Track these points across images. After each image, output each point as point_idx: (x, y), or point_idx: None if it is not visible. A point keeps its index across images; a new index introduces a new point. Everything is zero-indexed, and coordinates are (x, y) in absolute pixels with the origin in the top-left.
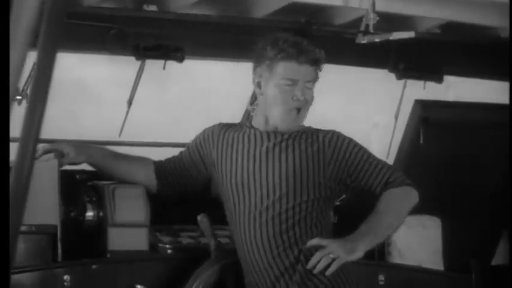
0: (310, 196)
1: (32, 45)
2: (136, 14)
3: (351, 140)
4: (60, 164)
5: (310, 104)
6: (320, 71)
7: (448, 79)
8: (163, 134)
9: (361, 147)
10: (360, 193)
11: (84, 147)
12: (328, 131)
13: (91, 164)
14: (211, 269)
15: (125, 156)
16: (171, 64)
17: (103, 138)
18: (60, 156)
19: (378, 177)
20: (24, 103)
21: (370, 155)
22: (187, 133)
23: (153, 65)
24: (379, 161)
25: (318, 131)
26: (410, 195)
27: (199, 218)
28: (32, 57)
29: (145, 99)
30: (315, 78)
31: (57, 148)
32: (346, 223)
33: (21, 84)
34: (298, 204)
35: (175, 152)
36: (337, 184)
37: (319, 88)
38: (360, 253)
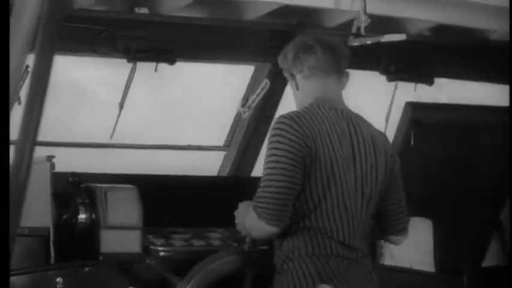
0: None
1: (30, 49)
2: (128, 16)
3: (268, 142)
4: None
5: (297, 106)
6: (285, 73)
7: (440, 81)
8: (157, 136)
9: (268, 155)
10: None
11: None
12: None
13: None
14: (232, 256)
15: None
16: (165, 66)
17: (96, 141)
18: None
19: None
20: (16, 105)
21: (267, 165)
22: (181, 135)
23: (147, 68)
24: (267, 176)
25: None
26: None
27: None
28: (28, 60)
29: (140, 101)
30: (288, 80)
31: None
32: None
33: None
34: None
35: (168, 154)
36: None
37: None
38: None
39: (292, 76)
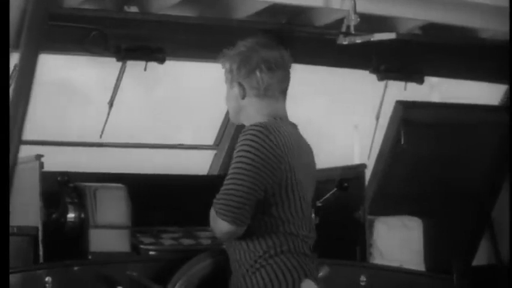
0: None
1: (14, 47)
2: (117, 15)
3: (238, 146)
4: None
5: (228, 105)
6: (226, 72)
7: (431, 80)
8: (147, 135)
9: (236, 156)
10: None
11: None
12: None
13: None
14: (214, 256)
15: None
16: (155, 65)
17: (85, 139)
18: None
19: None
20: None
21: (233, 165)
22: (170, 134)
23: (137, 67)
24: (230, 175)
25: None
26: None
27: None
28: (13, 58)
29: (129, 100)
30: (226, 80)
31: None
32: (327, 223)
33: None
34: None
35: (158, 152)
36: None
37: (301, 89)
38: None
39: (240, 85)
